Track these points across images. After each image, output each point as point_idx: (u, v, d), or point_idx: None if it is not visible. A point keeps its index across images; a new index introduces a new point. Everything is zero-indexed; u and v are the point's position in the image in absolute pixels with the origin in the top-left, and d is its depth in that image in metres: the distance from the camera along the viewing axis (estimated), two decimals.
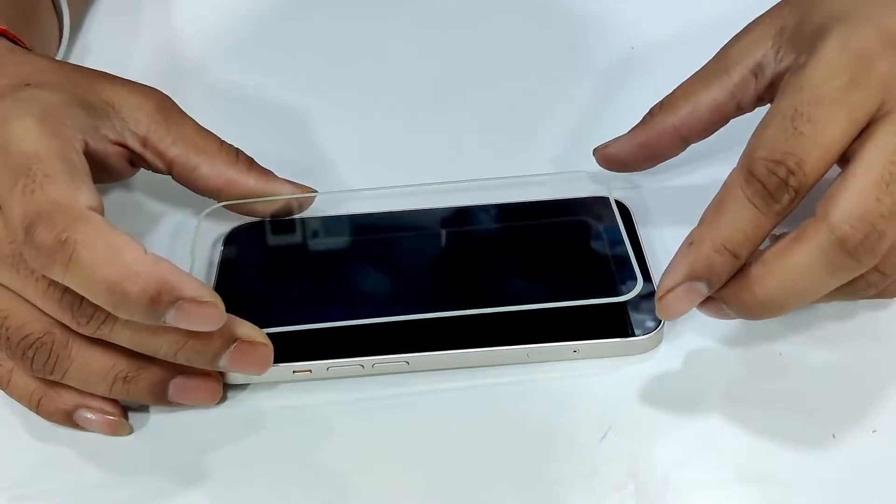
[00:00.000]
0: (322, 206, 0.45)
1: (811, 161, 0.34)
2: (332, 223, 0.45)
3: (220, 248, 0.44)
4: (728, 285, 0.36)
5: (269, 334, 0.37)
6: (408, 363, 0.39)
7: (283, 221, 0.45)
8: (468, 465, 0.37)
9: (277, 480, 0.37)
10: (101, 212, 0.35)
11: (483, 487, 0.36)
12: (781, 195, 0.35)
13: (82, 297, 0.34)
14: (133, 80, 0.43)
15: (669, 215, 0.44)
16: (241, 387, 0.40)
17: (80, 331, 0.36)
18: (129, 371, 0.37)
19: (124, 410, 0.38)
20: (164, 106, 0.43)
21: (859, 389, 0.37)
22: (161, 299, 0.33)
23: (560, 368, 0.39)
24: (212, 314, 0.34)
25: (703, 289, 0.36)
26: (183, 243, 0.45)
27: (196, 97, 0.44)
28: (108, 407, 0.38)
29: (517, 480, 0.36)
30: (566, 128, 0.50)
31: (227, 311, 0.35)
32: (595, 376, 0.39)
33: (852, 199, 0.33)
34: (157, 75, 0.46)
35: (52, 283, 0.35)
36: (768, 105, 0.40)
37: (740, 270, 0.36)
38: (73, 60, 0.56)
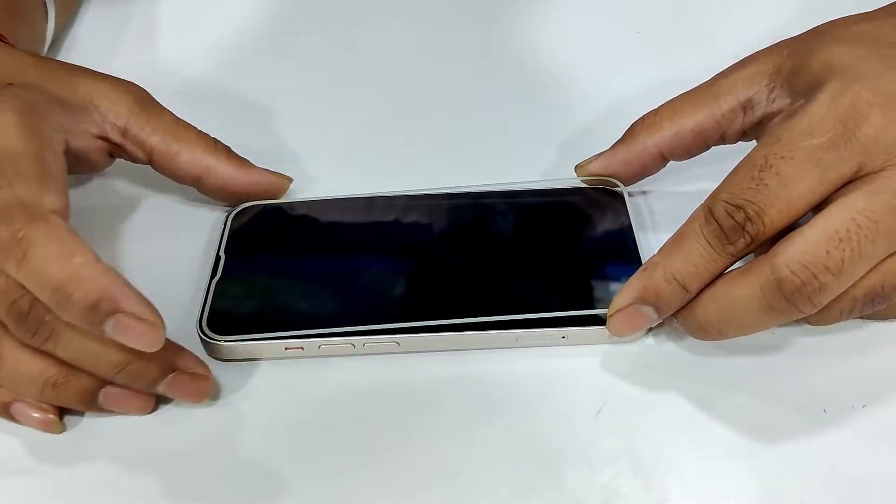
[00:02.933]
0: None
1: (771, 213, 0.35)
2: (335, 206, 0.45)
3: (225, 231, 0.44)
4: None
5: (262, 314, 0.39)
6: (398, 344, 0.39)
7: (286, 205, 0.45)
8: (464, 439, 0.37)
9: (268, 455, 0.37)
10: (66, 214, 0.36)
11: (480, 460, 0.36)
12: (736, 238, 0.35)
13: (29, 309, 0.35)
14: (113, 75, 0.44)
15: (661, 217, 0.45)
16: (233, 362, 0.40)
17: (27, 342, 0.36)
18: (59, 377, 0.37)
19: (60, 410, 0.38)
20: (142, 98, 0.44)
21: (849, 365, 0.38)
22: (101, 307, 0.34)
23: (556, 347, 0.40)
24: (149, 333, 0.34)
25: (651, 313, 0.37)
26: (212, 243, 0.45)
27: (179, 93, 0.45)
28: (44, 403, 0.38)
29: (514, 454, 0.36)
30: (557, 139, 0.50)
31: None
32: (590, 356, 0.39)
33: (801, 246, 0.34)
34: (139, 71, 0.46)
35: (3, 291, 0.35)
36: (753, 141, 0.41)
37: None
38: (61, 54, 0.57)
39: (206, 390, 0.38)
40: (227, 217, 0.44)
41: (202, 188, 0.45)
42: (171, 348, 0.38)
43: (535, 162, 0.48)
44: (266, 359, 0.40)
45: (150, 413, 0.38)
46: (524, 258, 0.42)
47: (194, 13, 0.60)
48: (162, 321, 0.35)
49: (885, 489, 0.34)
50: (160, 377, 0.37)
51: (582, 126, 0.50)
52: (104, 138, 0.43)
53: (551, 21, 0.58)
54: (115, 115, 0.42)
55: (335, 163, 0.49)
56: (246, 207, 0.45)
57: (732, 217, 0.35)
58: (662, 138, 0.42)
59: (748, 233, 0.35)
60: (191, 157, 0.44)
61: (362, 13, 0.60)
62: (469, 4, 0.60)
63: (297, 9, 0.60)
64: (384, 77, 0.55)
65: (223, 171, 0.44)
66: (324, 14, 0.60)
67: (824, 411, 0.36)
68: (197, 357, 0.38)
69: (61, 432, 0.38)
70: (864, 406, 0.37)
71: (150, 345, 0.35)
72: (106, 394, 0.37)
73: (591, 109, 0.51)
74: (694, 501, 0.34)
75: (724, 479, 0.35)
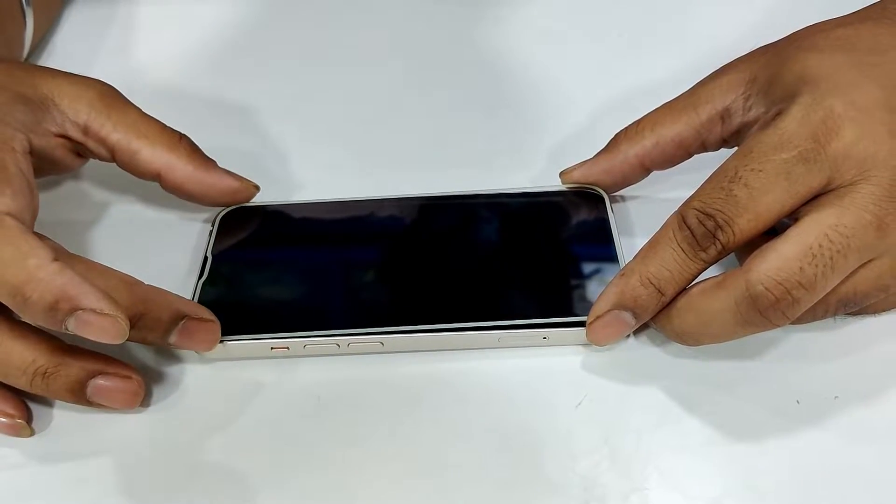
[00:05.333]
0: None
1: (740, 223, 0.36)
2: (322, 209, 0.46)
3: (213, 232, 0.44)
4: None
5: (248, 315, 0.40)
6: (382, 344, 0.40)
7: (274, 207, 0.46)
8: (447, 433, 0.37)
9: (253, 454, 0.37)
10: (25, 214, 0.37)
11: (462, 453, 0.37)
12: (708, 245, 0.36)
13: None
14: (87, 75, 0.44)
15: (643, 223, 0.45)
16: (219, 361, 0.40)
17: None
18: (49, 367, 0.37)
19: (29, 413, 0.39)
20: (106, 94, 0.43)
21: (822, 358, 0.39)
22: (59, 307, 0.34)
23: (537, 348, 0.40)
24: (111, 327, 0.35)
25: (629, 319, 0.38)
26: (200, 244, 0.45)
27: (163, 95, 0.45)
28: (10, 409, 0.38)
29: (495, 446, 0.37)
30: (544, 144, 0.50)
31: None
32: (571, 355, 0.40)
33: (775, 263, 0.34)
34: (122, 73, 0.47)
35: None
36: (734, 147, 0.41)
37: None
38: (42, 58, 0.57)
39: (217, 335, 0.39)
40: (215, 218, 0.45)
41: (163, 186, 0.44)
42: (175, 298, 0.38)
43: (523, 167, 0.49)
44: (252, 358, 0.40)
45: (135, 408, 0.38)
46: (507, 261, 0.42)
47: (177, 15, 0.61)
48: (123, 314, 0.35)
49: (855, 477, 0.35)
50: (172, 325, 0.38)
51: (571, 131, 0.51)
52: (65, 136, 0.42)
53: (538, 24, 0.58)
54: (75, 113, 0.42)
55: (319, 166, 0.50)
56: (234, 209, 0.45)
57: (703, 225, 0.36)
58: (644, 148, 0.43)
59: (719, 240, 0.36)
60: (150, 155, 0.43)
61: (353, 14, 0.60)
62: (454, 8, 0.60)
63: (280, 11, 0.61)
64: (369, 82, 0.55)
65: (182, 170, 0.43)
66: (309, 15, 0.60)
67: (797, 402, 0.37)
68: (199, 305, 0.39)
69: (30, 436, 0.38)
70: (836, 397, 0.37)
71: (114, 337, 0.35)
72: (95, 386, 0.37)
73: (580, 114, 0.51)
74: (670, 490, 0.35)
75: (701, 468, 0.36)
